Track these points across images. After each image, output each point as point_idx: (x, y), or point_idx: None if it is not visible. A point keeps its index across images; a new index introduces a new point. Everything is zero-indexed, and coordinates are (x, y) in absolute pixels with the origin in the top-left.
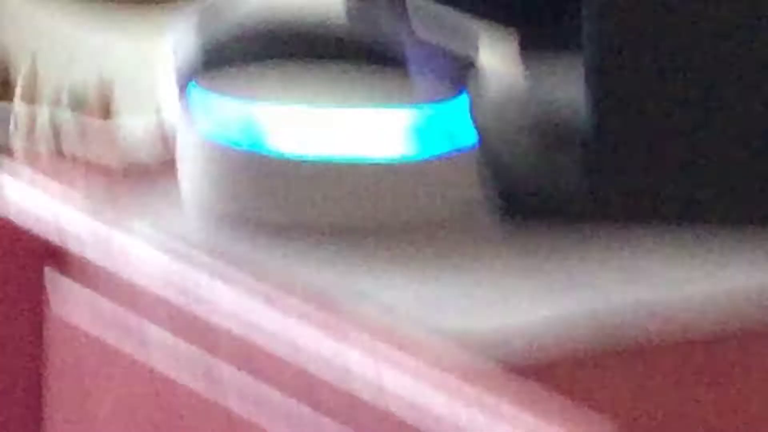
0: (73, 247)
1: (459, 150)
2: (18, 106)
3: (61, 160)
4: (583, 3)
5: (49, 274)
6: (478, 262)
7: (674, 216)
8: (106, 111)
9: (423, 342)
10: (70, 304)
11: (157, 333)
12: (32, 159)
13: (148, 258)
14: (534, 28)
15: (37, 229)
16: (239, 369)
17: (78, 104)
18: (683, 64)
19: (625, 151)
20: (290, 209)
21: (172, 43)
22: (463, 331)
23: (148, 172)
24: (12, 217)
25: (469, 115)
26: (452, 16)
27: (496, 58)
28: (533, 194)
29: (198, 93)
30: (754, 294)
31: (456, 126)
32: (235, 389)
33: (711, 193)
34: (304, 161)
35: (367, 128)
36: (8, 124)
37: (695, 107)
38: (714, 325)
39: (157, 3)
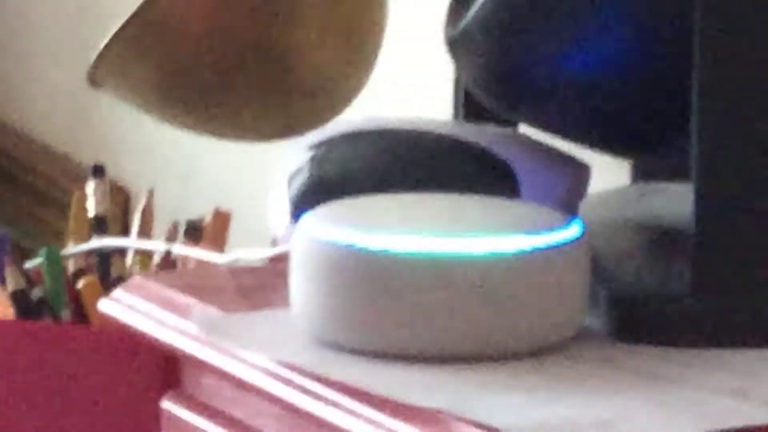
0: (189, 378)
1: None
2: (135, 240)
3: (175, 291)
4: (692, 134)
5: (166, 404)
6: (589, 384)
7: None
8: (221, 243)
9: None
10: None
11: None
12: (147, 291)
13: (263, 388)
14: (644, 158)
15: (154, 362)
16: None
17: (194, 237)
18: None
19: (733, 272)
20: (399, 335)
21: (286, 174)
22: None
23: (259, 288)
24: (129, 350)
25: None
26: (557, 149)
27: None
28: (645, 319)
29: (311, 224)
30: None
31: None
32: None
33: None
34: (414, 258)
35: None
36: (126, 257)
37: None
38: None
39: (271, 136)
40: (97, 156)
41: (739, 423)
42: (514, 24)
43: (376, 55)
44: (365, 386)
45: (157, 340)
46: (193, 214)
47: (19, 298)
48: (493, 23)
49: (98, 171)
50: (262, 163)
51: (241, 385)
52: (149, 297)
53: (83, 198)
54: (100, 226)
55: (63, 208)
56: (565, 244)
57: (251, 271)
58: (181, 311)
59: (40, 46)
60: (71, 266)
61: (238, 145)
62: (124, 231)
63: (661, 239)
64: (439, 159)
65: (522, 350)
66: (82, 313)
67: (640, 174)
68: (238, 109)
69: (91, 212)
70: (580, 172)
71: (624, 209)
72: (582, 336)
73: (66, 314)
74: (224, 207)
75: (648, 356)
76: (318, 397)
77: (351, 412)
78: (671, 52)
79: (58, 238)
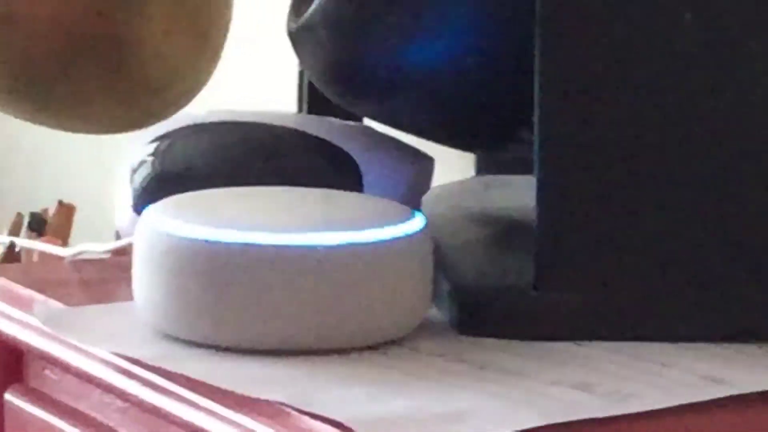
0: (32, 371)
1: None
2: None
3: (19, 285)
4: (536, 129)
5: (9, 397)
6: (432, 377)
7: (627, 333)
8: (65, 235)
9: None
10: (28, 428)
11: None
12: None
13: (107, 381)
14: (489, 152)
15: None
16: None
17: (38, 230)
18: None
19: (576, 264)
20: (241, 328)
21: (129, 166)
22: None
23: (102, 281)
24: None
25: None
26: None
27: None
28: (489, 311)
29: (154, 217)
30: None
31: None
32: None
33: (668, 308)
34: (256, 246)
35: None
36: None
37: (648, 218)
38: None
39: (116, 128)
40: None
41: (583, 415)
42: (356, 17)
43: (221, 47)
44: (208, 379)
45: (0, 333)
46: (34, 207)
47: None
48: (334, 16)
49: None
50: (106, 155)
51: (84, 378)
52: None
53: None
54: None
55: None
56: (406, 236)
57: (95, 264)
58: (24, 304)
59: None
60: None
61: (82, 137)
62: None
63: (504, 232)
64: (282, 151)
65: (364, 343)
66: None
67: (484, 166)
68: (82, 101)
69: None
70: (423, 165)
71: (468, 202)
72: (426, 329)
73: None
74: (68, 200)
75: (492, 349)
76: (161, 390)
77: (194, 405)
78: (512, 45)
79: None
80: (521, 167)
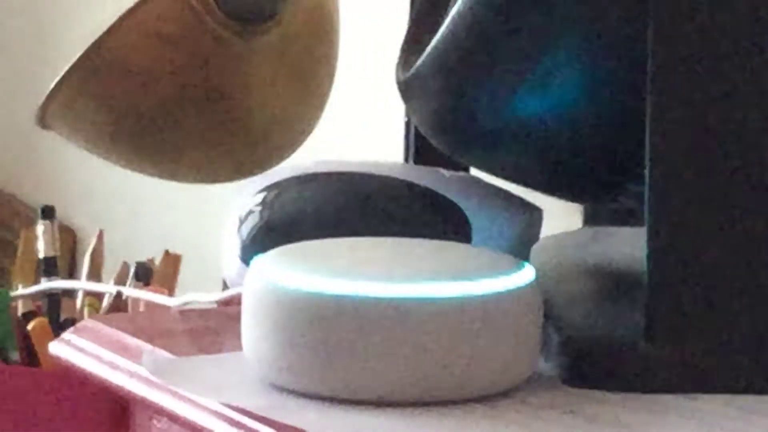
0: (139, 421)
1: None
2: (84, 282)
3: (126, 334)
4: (646, 179)
5: None
6: (542, 429)
7: (739, 386)
8: (171, 285)
9: None
10: None
11: None
12: (98, 334)
13: (213, 430)
14: (596, 203)
15: (104, 404)
16: None
17: (144, 279)
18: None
19: (687, 317)
20: (351, 379)
21: (237, 216)
22: None
23: (210, 331)
24: (79, 393)
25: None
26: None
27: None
28: (597, 364)
29: (264, 267)
30: None
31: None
32: None
33: None
34: (367, 298)
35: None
36: (75, 299)
37: (760, 273)
38: None
39: (221, 178)
40: (43, 197)
41: None
42: (465, 67)
43: (326, 97)
44: (317, 430)
45: (107, 382)
46: (140, 256)
47: None
48: (444, 66)
49: (47, 212)
50: (210, 205)
51: (192, 428)
52: (100, 339)
53: (30, 239)
54: (49, 267)
55: (6, 249)
56: (516, 288)
57: (202, 314)
58: (132, 354)
59: None
60: (20, 308)
61: (186, 186)
62: (71, 273)
63: (613, 284)
64: (390, 202)
65: (473, 395)
66: (32, 355)
67: (592, 217)
68: (187, 151)
69: (41, 253)
70: (531, 215)
71: (576, 253)
72: (535, 381)
73: (15, 356)
74: (173, 249)
75: (602, 402)
76: None
77: None
78: (623, 96)
79: (4, 278)
80: (629, 218)
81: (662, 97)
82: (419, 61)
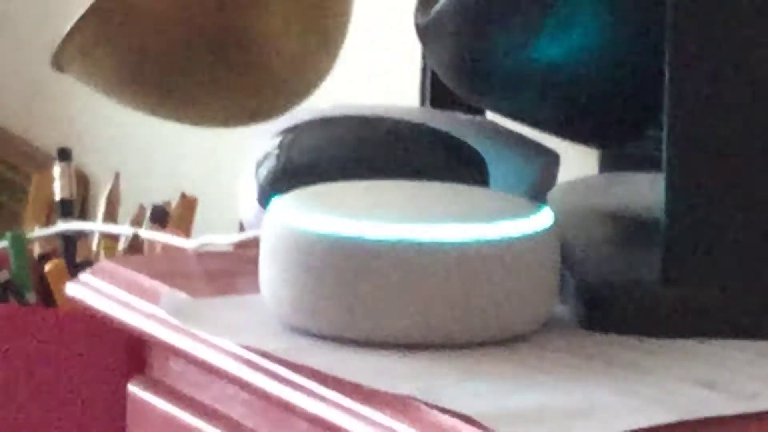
0: (156, 362)
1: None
2: (101, 224)
3: (144, 276)
4: (665, 124)
5: (132, 388)
6: (559, 373)
7: (754, 331)
8: (187, 227)
9: None
10: (151, 418)
11: None
12: (114, 275)
13: (232, 373)
14: (613, 148)
15: (120, 345)
16: None
17: (160, 222)
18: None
19: (703, 261)
20: (369, 321)
21: (254, 159)
22: None
23: (227, 273)
24: (95, 334)
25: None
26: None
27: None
28: (614, 308)
29: (282, 210)
30: None
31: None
32: None
33: None
34: (384, 244)
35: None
36: (91, 241)
37: None
38: None
39: (236, 122)
40: (57, 142)
41: (710, 412)
42: (486, 11)
43: (341, 42)
44: (335, 372)
45: (124, 323)
46: (156, 200)
47: None
48: (464, 9)
49: (64, 154)
50: (226, 148)
51: (208, 369)
52: (116, 281)
53: (43, 182)
54: (65, 209)
55: (16, 192)
56: (535, 232)
57: (219, 256)
58: (149, 296)
59: (0, 28)
60: (36, 250)
61: (202, 130)
62: (84, 216)
63: (630, 228)
64: (407, 146)
65: (492, 338)
66: (48, 296)
67: (609, 163)
68: (203, 95)
69: (57, 196)
70: (549, 160)
71: (593, 198)
72: (552, 324)
73: (32, 297)
74: (189, 193)
75: (618, 345)
76: (287, 382)
77: (320, 398)
78: (642, 40)
79: (15, 221)
80: (645, 164)
81: (682, 40)
82: (438, 5)
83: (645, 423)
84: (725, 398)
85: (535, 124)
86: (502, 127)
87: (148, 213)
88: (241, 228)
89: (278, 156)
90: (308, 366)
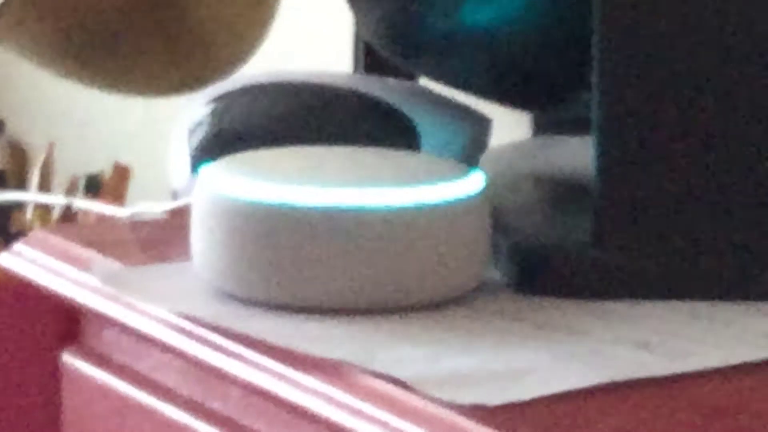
0: (89, 331)
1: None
2: (34, 194)
3: (76, 244)
4: (593, 86)
5: (66, 358)
6: (492, 336)
7: (685, 292)
8: (121, 197)
9: (437, 415)
10: (85, 389)
11: (172, 414)
12: (48, 245)
13: (165, 341)
14: (545, 112)
15: (53, 313)
16: None
17: (94, 191)
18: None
19: (634, 223)
20: (300, 287)
21: (186, 127)
22: (475, 405)
23: (159, 241)
24: (29, 304)
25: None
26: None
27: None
28: (546, 271)
29: (212, 176)
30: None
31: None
32: None
33: (726, 268)
34: (315, 210)
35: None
36: (25, 211)
37: (706, 177)
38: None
39: (169, 90)
40: None
41: (643, 374)
42: None
43: (276, 8)
44: (267, 338)
45: (57, 293)
46: (90, 169)
47: None
48: None
49: None
50: (158, 117)
51: (142, 338)
52: (50, 250)
53: None
54: None
55: None
56: (466, 196)
57: (151, 224)
58: (82, 264)
59: None
60: None
61: (136, 100)
62: (20, 186)
63: (562, 192)
64: (339, 112)
65: (423, 303)
66: None
67: (540, 127)
68: (137, 63)
69: None
70: (480, 124)
71: (525, 162)
72: (484, 288)
73: None
74: (123, 161)
75: (550, 308)
76: (220, 349)
77: (253, 364)
78: (571, 4)
79: None
80: (577, 127)
81: (610, 3)
82: None
83: (576, 384)
84: (660, 359)
85: (466, 87)
86: (434, 93)
87: (82, 183)
88: (174, 196)
89: (210, 123)
90: (240, 332)
